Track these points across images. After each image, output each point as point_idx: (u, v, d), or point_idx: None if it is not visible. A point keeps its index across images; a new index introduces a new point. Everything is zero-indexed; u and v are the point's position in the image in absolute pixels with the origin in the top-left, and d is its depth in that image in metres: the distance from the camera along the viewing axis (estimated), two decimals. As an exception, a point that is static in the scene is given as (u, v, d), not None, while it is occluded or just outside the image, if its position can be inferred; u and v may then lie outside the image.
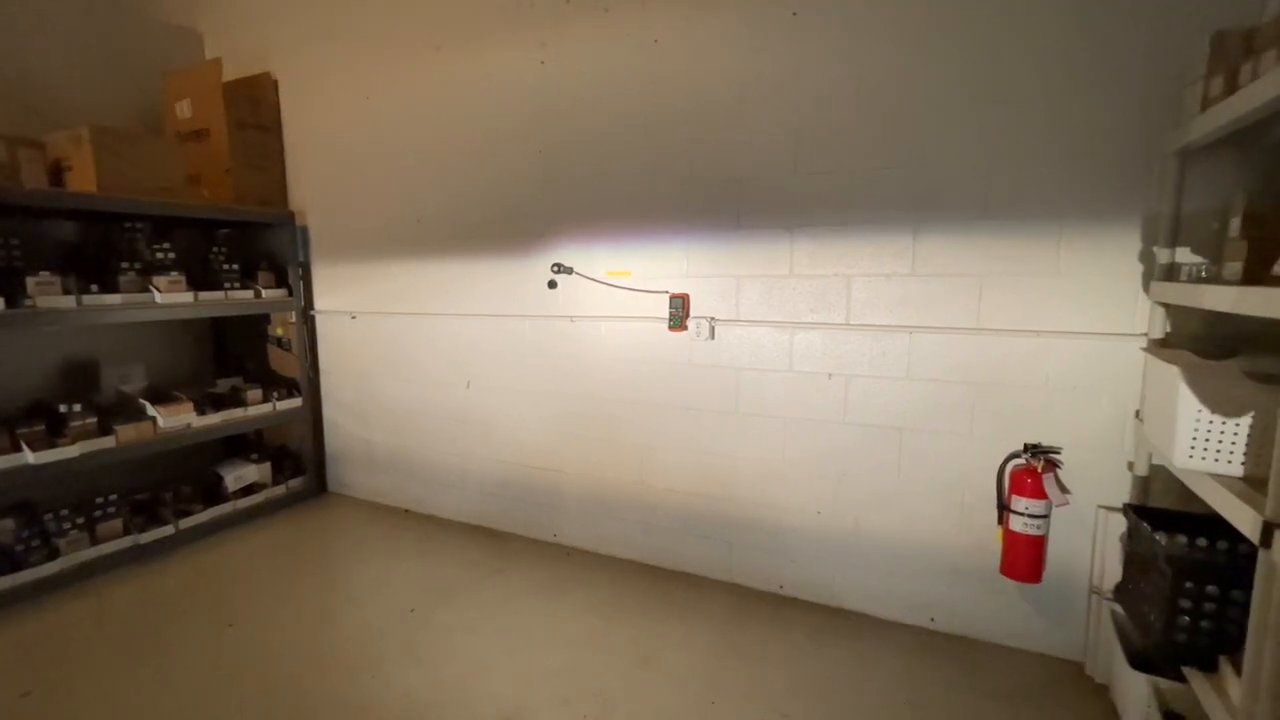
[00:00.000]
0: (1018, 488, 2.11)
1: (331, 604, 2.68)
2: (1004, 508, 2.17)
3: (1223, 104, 1.47)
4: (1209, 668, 1.36)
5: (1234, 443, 1.34)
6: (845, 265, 2.40)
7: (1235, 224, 1.53)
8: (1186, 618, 1.38)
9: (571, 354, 2.99)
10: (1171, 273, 1.83)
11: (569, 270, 2.92)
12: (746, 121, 2.49)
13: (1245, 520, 1.18)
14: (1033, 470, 2.09)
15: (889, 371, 2.37)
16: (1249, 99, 1.33)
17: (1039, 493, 2.06)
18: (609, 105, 2.73)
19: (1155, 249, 1.90)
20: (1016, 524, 2.11)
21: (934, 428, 2.33)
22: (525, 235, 3.01)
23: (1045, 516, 2.08)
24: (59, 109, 3.33)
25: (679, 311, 2.67)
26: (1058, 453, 2.11)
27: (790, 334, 2.52)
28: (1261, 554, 1.13)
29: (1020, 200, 2.12)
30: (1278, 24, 1.33)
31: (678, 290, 2.69)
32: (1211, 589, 1.34)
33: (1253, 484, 1.28)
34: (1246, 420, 1.28)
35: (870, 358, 2.40)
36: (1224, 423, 1.32)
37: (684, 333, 2.70)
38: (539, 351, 3.07)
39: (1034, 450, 2.13)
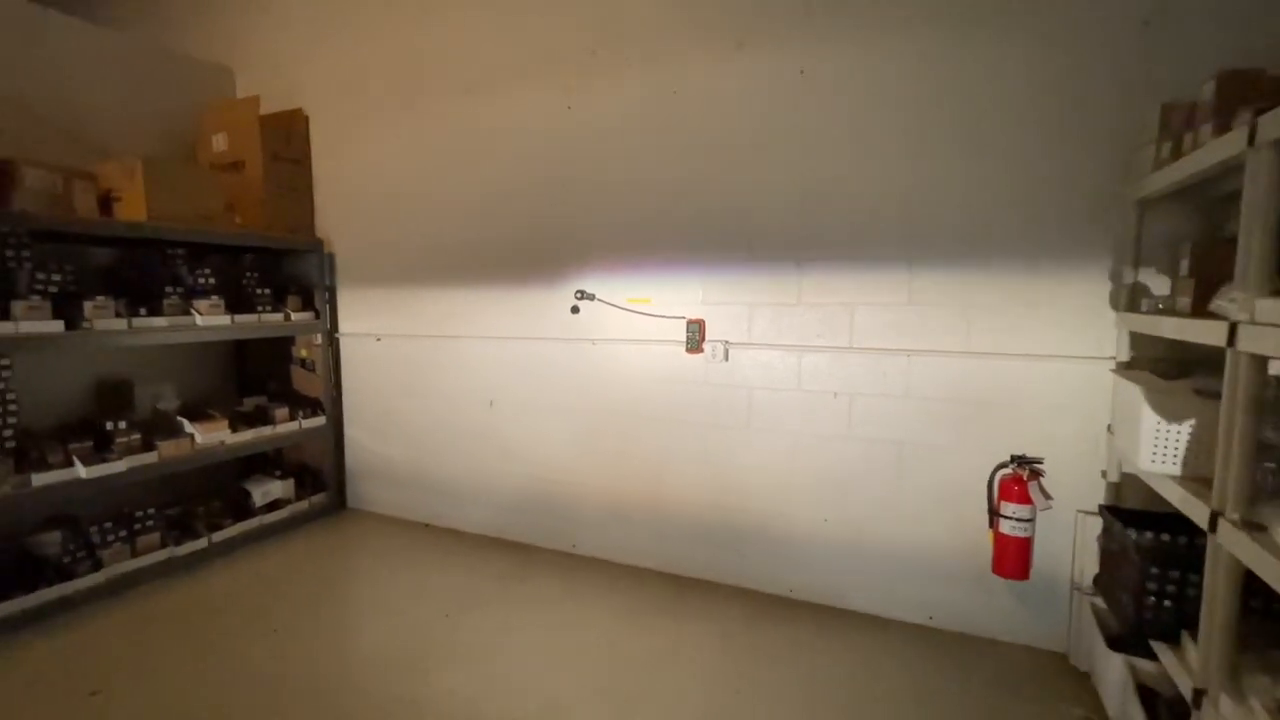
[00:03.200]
0: (1006, 494, 2.36)
1: (368, 611, 2.84)
2: (994, 513, 2.41)
3: (1170, 166, 1.76)
4: (1173, 641, 1.60)
5: (1186, 448, 1.60)
6: (848, 295, 2.66)
7: (1185, 265, 1.82)
8: (1153, 599, 1.62)
9: (592, 374, 3.20)
10: (1135, 304, 2.11)
11: (591, 297, 3.15)
12: (758, 166, 2.76)
13: (1196, 512, 1.44)
14: (1019, 478, 2.35)
15: (889, 390, 2.63)
16: (1190, 165, 1.62)
17: (1025, 498, 2.31)
18: (631, 148, 3.00)
19: (1121, 284, 2.19)
20: (1005, 527, 2.35)
21: (930, 441, 2.58)
22: (550, 264, 3.24)
23: (1031, 520, 2.33)
24: (101, 140, 3.51)
25: (695, 335, 2.92)
26: (1040, 462, 2.36)
27: (799, 356, 2.77)
28: (1210, 538, 1.38)
29: (1002, 240, 2.41)
30: (1212, 103, 1.62)
31: (694, 316, 2.94)
32: (1173, 573, 1.58)
33: (1203, 483, 1.54)
34: (1190, 429, 1.55)
35: (872, 378, 2.65)
36: (1178, 432, 1.58)
37: (700, 355, 2.93)
38: (561, 372, 3.28)
39: (1019, 461, 2.38)
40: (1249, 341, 1.25)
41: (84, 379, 3.36)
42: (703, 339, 2.92)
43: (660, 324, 3.01)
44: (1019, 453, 2.42)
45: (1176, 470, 1.61)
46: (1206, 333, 1.38)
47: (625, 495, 3.20)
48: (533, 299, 3.32)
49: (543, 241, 3.25)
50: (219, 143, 3.78)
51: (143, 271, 3.27)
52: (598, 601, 2.86)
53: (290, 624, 2.66)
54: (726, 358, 2.89)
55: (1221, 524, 1.33)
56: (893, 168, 2.54)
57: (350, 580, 3.14)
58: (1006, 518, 2.35)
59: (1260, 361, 1.26)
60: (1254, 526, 1.26)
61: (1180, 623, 1.59)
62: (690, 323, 2.94)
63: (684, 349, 2.95)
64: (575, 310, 3.19)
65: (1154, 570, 1.61)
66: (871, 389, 2.65)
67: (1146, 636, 1.65)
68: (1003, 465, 2.42)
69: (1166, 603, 1.60)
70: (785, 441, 2.83)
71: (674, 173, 2.92)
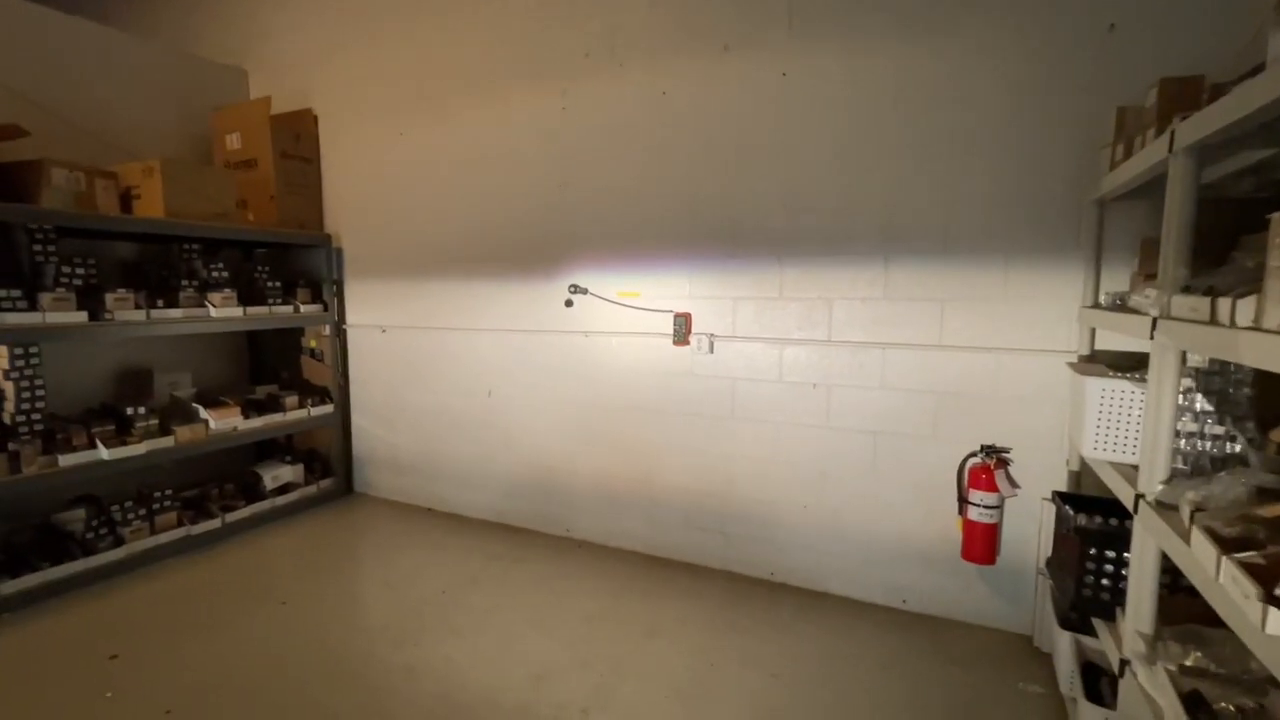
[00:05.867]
0: (975, 482, 2.46)
1: (371, 587, 3.00)
2: (963, 500, 2.51)
3: (1121, 167, 1.84)
4: (1109, 618, 1.70)
5: (1127, 437, 1.69)
6: (827, 289, 2.76)
7: (1136, 262, 1.91)
8: (1092, 578, 1.72)
9: (585, 366, 3.33)
10: (1097, 300, 2.20)
11: (584, 291, 3.28)
12: (742, 165, 2.86)
13: (1125, 494, 1.53)
14: (987, 467, 2.44)
15: (865, 382, 2.73)
16: (1132, 167, 1.70)
17: (992, 486, 2.41)
18: (622, 146, 3.11)
19: (1082, 280, 2.27)
20: (974, 514, 2.45)
21: (904, 431, 2.68)
22: (545, 259, 3.37)
23: (998, 507, 2.43)
24: (124, 141, 3.69)
25: (682, 328, 3.03)
26: (1008, 452, 2.46)
27: (780, 349, 2.88)
28: (1135, 519, 1.48)
29: (973, 238, 2.49)
30: (1155, 108, 1.70)
31: (681, 310, 3.05)
32: (1110, 554, 1.68)
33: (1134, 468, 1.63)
34: (1127, 417, 1.64)
35: (849, 370, 2.75)
36: (1116, 420, 1.68)
37: (686, 347, 3.05)
38: (555, 363, 3.41)
39: (988, 450, 2.48)
40: (1165, 334, 1.35)
41: (107, 367, 3.56)
42: (689, 332, 3.04)
43: (649, 317, 3.13)
44: (988, 443, 2.51)
45: (1116, 457, 1.71)
46: (1131, 326, 1.48)
47: (617, 482, 3.33)
48: (529, 292, 3.45)
49: (539, 237, 3.38)
50: (233, 142, 3.95)
51: (160, 266, 3.45)
52: (588, 582, 3.00)
53: (298, 598, 2.83)
54: (712, 350, 3.01)
55: (1142, 506, 1.43)
56: (870, 168, 2.63)
57: (355, 560, 3.31)
58: (975, 505, 2.45)
59: (1176, 352, 1.36)
60: (1167, 507, 1.36)
61: (1116, 601, 1.69)
62: (677, 316, 3.05)
63: (671, 341, 3.07)
64: (569, 304, 3.32)
65: (1093, 551, 1.71)
66: (849, 380, 2.76)
67: (1088, 614, 1.75)
68: (972, 454, 2.52)
69: (1104, 582, 1.70)
70: (767, 431, 2.94)
71: (663, 171, 3.03)
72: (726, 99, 2.87)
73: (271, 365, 4.32)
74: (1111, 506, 1.87)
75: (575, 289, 3.30)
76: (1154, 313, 1.35)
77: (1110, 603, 1.69)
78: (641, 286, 3.15)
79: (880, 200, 2.63)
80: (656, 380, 3.16)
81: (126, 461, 3.02)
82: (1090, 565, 1.70)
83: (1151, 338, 1.40)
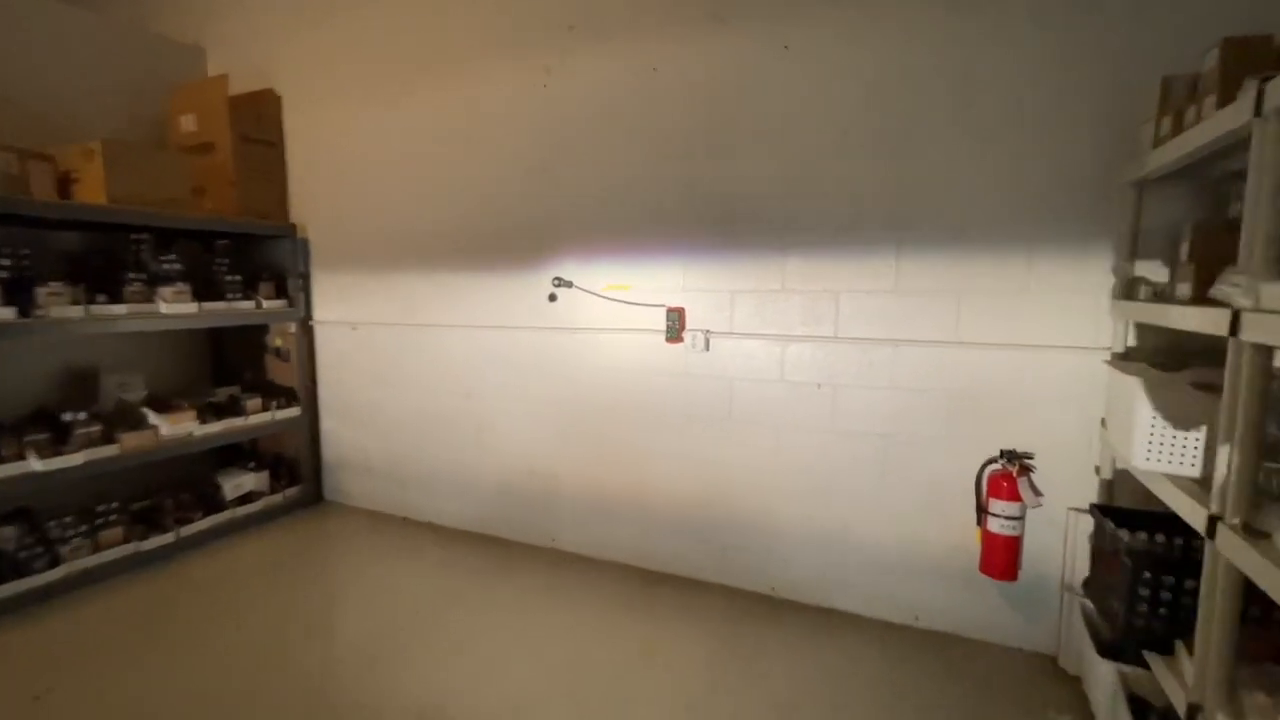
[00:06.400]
0: (995, 491, 2.26)
1: (340, 607, 2.75)
2: (982, 510, 2.31)
3: (1171, 143, 1.64)
4: (1166, 651, 1.50)
5: (1186, 447, 1.49)
6: (834, 281, 2.54)
7: (1184, 249, 1.70)
8: (1145, 606, 1.52)
9: (570, 364, 3.09)
10: (1131, 291, 2.00)
11: (569, 284, 3.04)
12: (740, 146, 2.64)
13: (1193, 515, 1.33)
14: (1008, 475, 2.24)
15: (874, 382, 2.52)
16: (1192, 139, 1.50)
17: (1014, 495, 2.21)
18: (609, 127, 2.87)
19: (1116, 270, 2.07)
20: (994, 525, 2.25)
21: (916, 435, 2.47)
22: (526, 250, 3.12)
23: (1020, 518, 2.22)
24: (67, 122, 3.38)
25: (675, 324, 2.80)
26: (1031, 458, 2.26)
27: (782, 346, 2.66)
28: (1208, 544, 1.28)
29: (993, 223, 2.29)
30: (1216, 72, 1.50)
31: (674, 304, 2.82)
32: (1167, 579, 1.48)
33: (1201, 484, 1.43)
34: (1197, 426, 1.44)
35: (857, 368, 2.54)
36: (1176, 428, 1.48)
37: (680, 344, 2.82)
38: (538, 362, 3.17)
39: (1009, 456, 2.28)
40: (1253, 330, 1.14)
41: (48, 369, 3.26)
42: (683, 328, 2.81)
43: (639, 312, 2.90)
44: (1009, 447, 2.31)
45: (1173, 469, 1.51)
46: (1206, 321, 1.27)
47: (606, 489, 3.10)
48: (509, 286, 3.20)
49: (520, 226, 3.13)
50: (188, 124, 3.64)
51: (105, 257, 3.16)
52: (575, 600, 2.76)
53: (256, 620, 2.57)
54: (707, 347, 2.78)
55: (1221, 529, 1.23)
56: (881, 147, 2.41)
57: (321, 577, 3.05)
58: (995, 515, 2.25)
59: (1265, 352, 1.15)
60: (1255, 533, 1.15)
61: (1174, 631, 1.49)
62: (670, 311, 2.82)
63: (664, 338, 2.84)
64: (553, 298, 3.08)
65: (1147, 576, 1.51)
66: (856, 380, 2.54)
67: (1138, 645, 1.55)
68: (992, 461, 2.32)
69: (1160, 610, 1.50)
70: (768, 435, 2.72)
71: (654, 153, 2.79)
72: (724, 75, 2.64)
73: (236, 365, 4.04)
74: (1162, 522, 1.67)
75: (559, 282, 3.05)
76: (1244, 303, 1.14)
77: (1167, 634, 1.49)
78: (631, 279, 2.92)
79: (892, 183, 2.41)
80: (648, 380, 2.93)
81: (63, 473, 2.74)
82: (1144, 591, 1.50)
83: (1233, 334, 1.19)
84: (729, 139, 2.65)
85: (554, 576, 2.97)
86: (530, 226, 3.10)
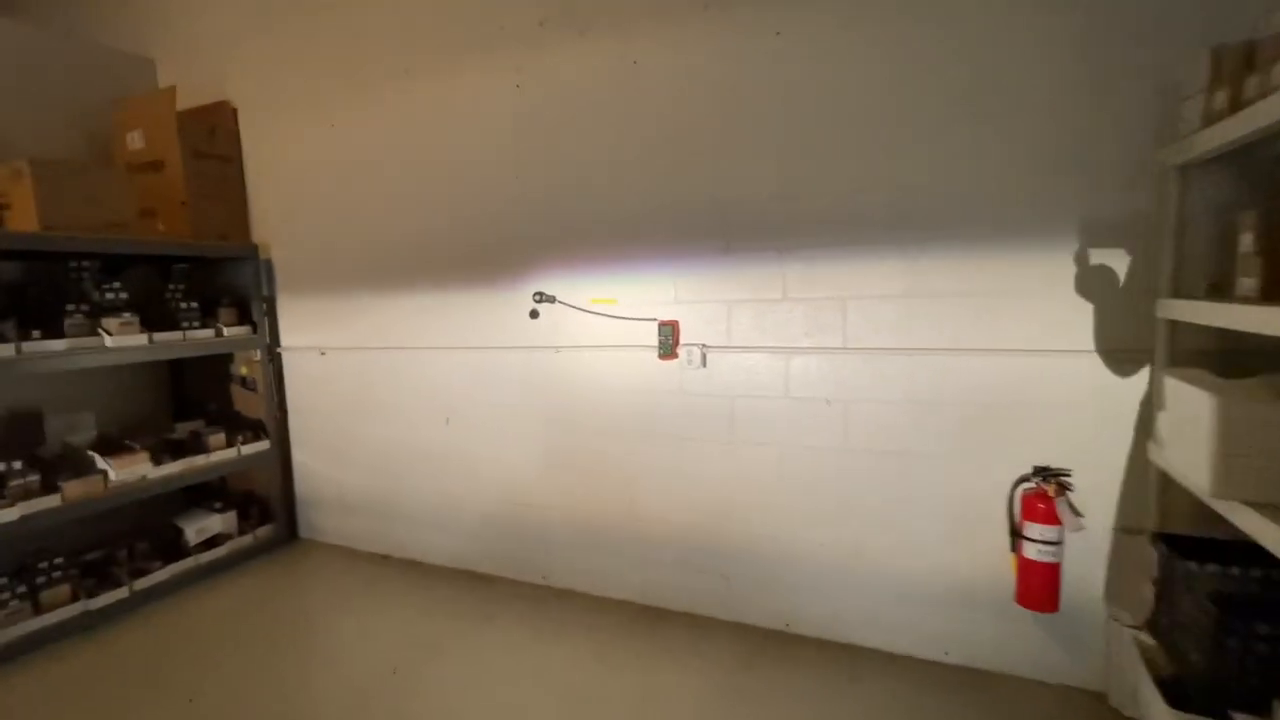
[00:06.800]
0: (1030, 513, 2.04)
1: (307, 666, 2.48)
2: (1016, 534, 2.09)
3: (1232, 119, 1.43)
4: (1260, 711, 1.28)
5: (1270, 469, 1.27)
6: (840, 287, 2.33)
7: (1248, 240, 1.49)
8: (1233, 657, 1.30)
9: (556, 386, 2.86)
10: (1179, 288, 1.79)
11: (551, 299, 2.80)
12: (731, 143, 2.42)
13: (1300, 557, 1.11)
14: (1044, 494, 2.03)
15: (889, 395, 2.30)
16: (1264, 112, 1.29)
17: (1052, 518, 1.99)
18: (588, 128, 2.64)
19: (1160, 264, 1.86)
20: (1030, 551, 2.03)
21: (938, 451, 2.25)
22: (504, 264, 2.89)
23: (1059, 543, 2.01)
24: (6, 143, 3.11)
25: (668, 339, 2.57)
26: (1068, 475, 2.04)
27: (785, 359, 2.43)
28: (1323, 594, 1.06)
29: (1017, 219, 2.08)
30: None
31: (667, 317, 2.59)
32: (1262, 627, 1.26)
33: (1296, 514, 1.22)
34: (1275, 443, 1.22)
35: (869, 381, 2.32)
36: (1261, 448, 1.26)
37: (674, 361, 2.59)
38: (522, 384, 2.93)
39: (1044, 473, 2.06)
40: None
41: (-4, 411, 2.99)
42: (677, 343, 2.58)
43: (629, 327, 2.67)
44: (1043, 464, 2.09)
45: (1254, 495, 1.29)
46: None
47: (599, 519, 2.86)
48: (488, 303, 2.96)
49: (496, 239, 2.89)
50: (134, 140, 3.38)
51: (41, 289, 2.89)
52: (570, 644, 2.52)
53: (210, 687, 2.30)
54: (704, 363, 2.55)
55: (1344, 579, 1.00)
56: (888, 139, 2.20)
57: (290, 629, 2.78)
58: (1031, 540, 2.03)
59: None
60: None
61: (1270, 688, 1.27)
62: (662, 325, 2.59)
63: (656, 354, 2.60)
64: (534, 315, 2.84)
65: (1235, 622, 1.29)
66: (869, 394, 2.32)
67: (1225, 702, 1.33)
68: (1024, 479, 2.10)
69: (1252, 663, 1.28)
70: (773, 455, 2.49)
71: (637, 155, 2.57)
72: (710, 66, 2.42)
73: (198, 397, 3.76)
74: (1238, 553, 1.46)
75: (541, 297, 2.82)
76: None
77: (1264, 689, 1.27)
78: (618, 291, 2.68)
79: (901, 178, 2.20)
80: (641, 401, 2.69)
81: (-3, 530, 2.47)
82: (1233, 642, 1.28)
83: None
84: (719, 136, 2.43)
85: (548, 617, 2.72)
86: (508, 237, 2.87)
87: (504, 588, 3.01)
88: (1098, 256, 2.00)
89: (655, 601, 2.78)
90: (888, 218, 2.23)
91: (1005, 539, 2.13)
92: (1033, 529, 2.02)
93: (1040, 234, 2.06)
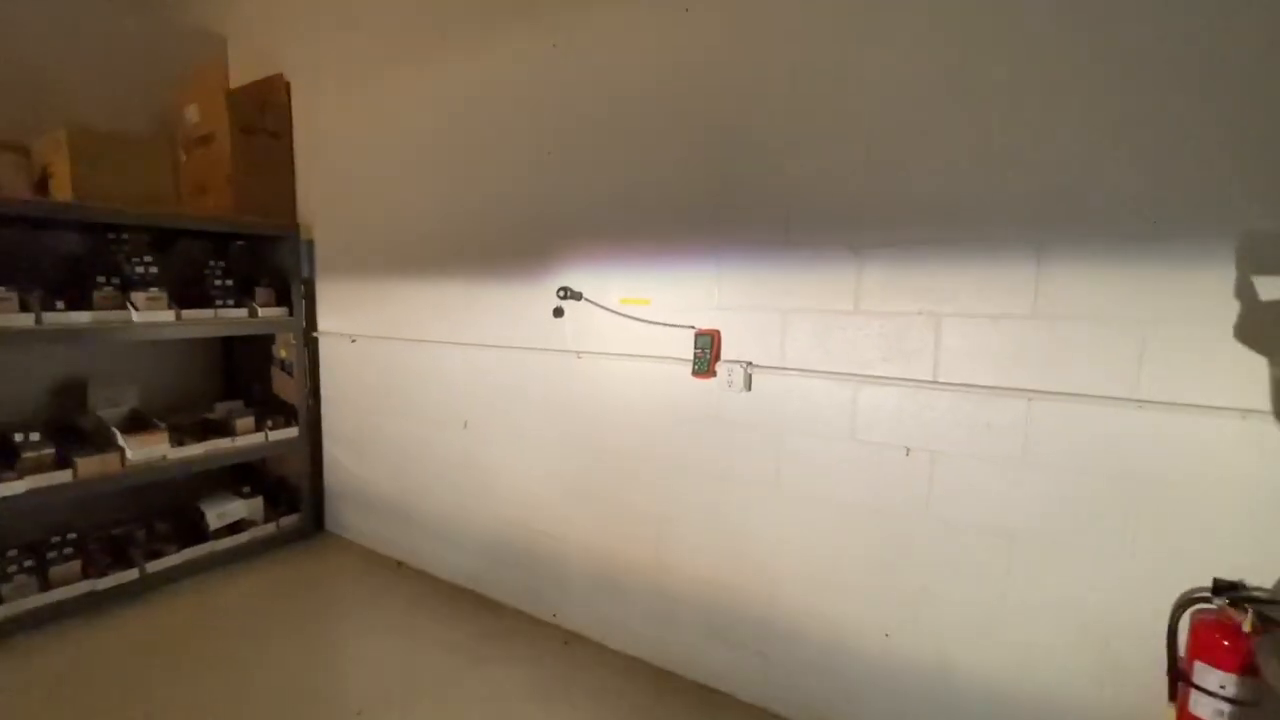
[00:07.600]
0: (1204, 650, 1.37)
1: (275, 678, 2.23)
2: (1179, 678, 1.42)
3: None
4: None
5: None
6: (934, 300, 1.73)
7: None
8: None
9: (578, 397, 2.45)
10: None
11: (578, 296, 2.39)
12: (801, 107, 1.88)
13: None
14: (1230, 624, 1.35)
15: (995, 451, 1.68)
16: None
17: (1242, 665, 1.32)
18: (629, 91, 2.20)
19: None
20: (1202, 708, 1.36)
21: (1063, 537, 1.61)
22: (531, 252, 2.51)
23: (1255, 704, 1.33)
24: (74, 116, 3.14)
25: (705, 352, 2.08)
26: (1273, 600, 1.35)
27: (854, 390, 1.87)
28: None
29: (1196, 217, 1.41)
30: None
31: (705, 325, 2.10)
32: None
33: None
34: None
35: (968, 430, 1.71)
36: None
37: (711, 380, 2.09)
38: (542, 391, 2.55)
39: (1230, 593, 1.38)
40: None
41: (50, 379, 3.04)
42: (716, 358, 2.08)
43: (660, 334, 2.20)
44: (1227, 577, 1.41)
45: None
46: None
47: (618, 558, 2.42)
48: (512, 296, 2.60)
49: (524, 220, 2.52)
50: (192, 115, 3.35)
51: (74, 260, 2.87)
52: (569, 702, 2.11)
53: (173, 701, 2.11)
54: (748, 386, 2.04)
55: None
56: (1014, 100, 1.59)
57: (280, 636, 2.56)
58: (1204, 691, 1.36)
59: None
60: None
61: None
62: (700, 334, 2.10)
63: (690, 371, 2.12)
64: (558, 313, 2.44)
65: None
66: (966, 447, 1.71)
67: None
68: (1196, 596, 1.43)
69: None
70: (830, 513, 1.94)
71: (684, 123, 2.09)
72: (779, 11, 1.89)
73: (245, 379, 3.72)
74: None
75: (566, 293, 2.41)
76: None
77: None
78: (652, 290, 2.22)
79: (1030, 153, 1.58)
80: (670, 424, 2.22)
81: (7, 502, 2.42)
82: None
83: None
84: (786, 98, 1.90)
85: (551, 667, 2.33)
86: (537, 221, 2.48)
87: (509, 619, 2.65)
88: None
89: (671, 665, 2.30)
90: (1012, 206, 1.61)
91: (1159, 674, 1.47)
92: (1209, 676, 1.35)
93: (1232, 238, 1.38)
